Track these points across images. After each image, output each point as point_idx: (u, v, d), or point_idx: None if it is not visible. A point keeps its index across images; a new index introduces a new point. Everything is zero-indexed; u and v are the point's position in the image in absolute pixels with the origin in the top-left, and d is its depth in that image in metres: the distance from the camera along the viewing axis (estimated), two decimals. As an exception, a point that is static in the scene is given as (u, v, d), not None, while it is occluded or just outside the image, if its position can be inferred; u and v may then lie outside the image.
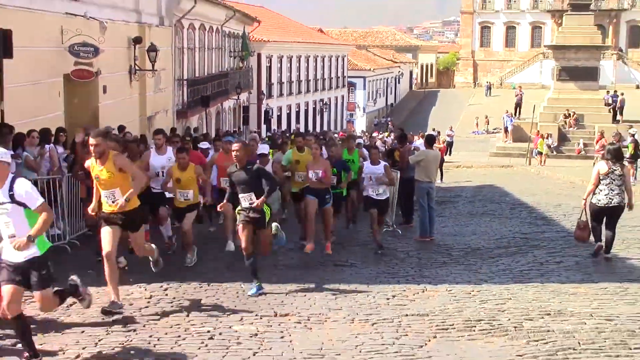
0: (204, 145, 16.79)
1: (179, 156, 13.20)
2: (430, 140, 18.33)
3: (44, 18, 18.34)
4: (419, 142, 25.28)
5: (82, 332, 8.98)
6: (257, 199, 10.99)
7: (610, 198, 13.81)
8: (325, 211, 14.44)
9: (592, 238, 14.47)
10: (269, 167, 14.38)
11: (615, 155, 14.16)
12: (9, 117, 14.70)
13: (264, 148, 16.69)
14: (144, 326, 9.31)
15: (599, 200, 13.88)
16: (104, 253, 9.61)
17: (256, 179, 11.15)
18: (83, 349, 8.33)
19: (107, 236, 9.73)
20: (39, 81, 17.93)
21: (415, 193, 17.39)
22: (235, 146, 11.42)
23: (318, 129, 58.60)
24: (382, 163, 15.48)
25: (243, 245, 11.20)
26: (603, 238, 14.23)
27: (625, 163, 26.58)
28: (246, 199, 11.12)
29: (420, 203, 16.86)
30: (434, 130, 44.16)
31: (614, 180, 13.78)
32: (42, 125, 15.65)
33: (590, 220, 14.19)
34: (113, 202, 9.55)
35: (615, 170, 13.81)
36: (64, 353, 8.18)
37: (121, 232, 9.95)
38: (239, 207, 11.66)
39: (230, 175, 11.40)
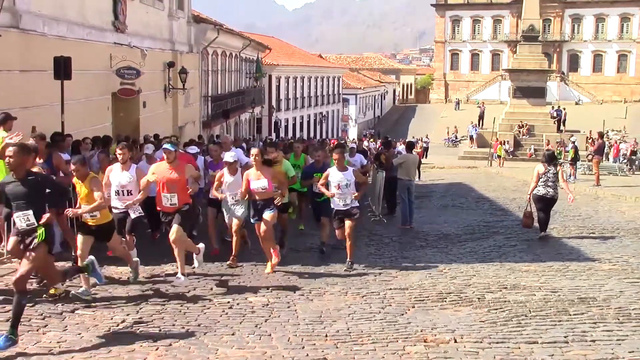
0: (192, 149, 14.56)
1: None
2: (410, 146, 18.51)
3: (97, 47, 18.35)
4: (401, 147, 25.29)
5: (126, 302, 9.00)
6: (38, 218, 7.35)
7: (546, 191, 14.65)
8: (264, 221, 10.85)
9: (536, 225, 15.10)
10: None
11: (549, 159, 15.09)
12: (67, 127, 14.71)
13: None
14: (176, 298, 9.33)
15: (539, 191, 14.72)
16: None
17: (36, 193, 7.40)
18: (127, 315, 8.35)
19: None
20: (91, 98, 17.95)
21: (398, 189, 17.40)
22: (9, 151, 7.47)
23: (318, 137, 58.68)
24: (350, 168, 11.87)
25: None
26: (541, 226, 14.94)
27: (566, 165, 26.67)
28: (22, 219, 7.37)
29: (402, 197, 16.95)
30: (413, 137, 44.35)
31: (549, 178, 14.65)
32: (94, 134, 15.68)
33: (536, 209, 14.95)
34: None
35: (550, 170, 14.69)
36: (112, 319, 8.21)
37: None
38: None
39: (4, 188, 7.56)
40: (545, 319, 8.45)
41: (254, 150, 11.26)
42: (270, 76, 52.22)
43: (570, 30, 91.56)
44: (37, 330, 7.67)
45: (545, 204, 14.83)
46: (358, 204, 11.90)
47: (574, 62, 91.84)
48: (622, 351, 7.08)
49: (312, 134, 60.76)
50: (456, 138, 64.15)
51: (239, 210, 11.29)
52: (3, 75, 12.37)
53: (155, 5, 24.28)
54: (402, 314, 8.66)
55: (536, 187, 14.77)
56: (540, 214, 14.95)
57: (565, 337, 7.64)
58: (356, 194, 11.52)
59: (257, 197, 10.90)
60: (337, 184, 11.38)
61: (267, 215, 10.86)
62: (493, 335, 7.70)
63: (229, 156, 11.53)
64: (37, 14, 14.92)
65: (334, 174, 11.52)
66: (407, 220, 16.70)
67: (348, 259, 11.47)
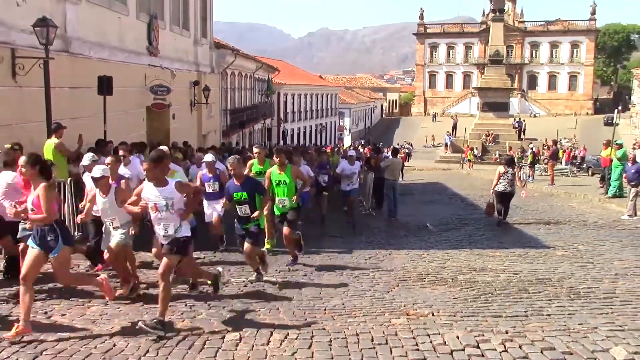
0: (207, 158, 11.47)
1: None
2: (395, 152, 18.71)
3: (134, 68, 18.33)
4: (388, 153, 25.36)
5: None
6: None
7: (505, 187, 15.43)
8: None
9: (495, 214, 15.80)
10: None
11: (508, 162, 16.09)
12: (109, 135, 14.69)
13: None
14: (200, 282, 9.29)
15: (499, 188, 15.47)
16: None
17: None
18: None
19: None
20: (129, 111, 17.92)
21: (385, 187, 17.41)
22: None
23: (318, 143, 58.66)
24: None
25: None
26: (502, 214, 15.64)
27: (526, 167, 26.72)
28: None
29: (388, 195, 16.92)
30: (398, 144, 44.23)
31: (507, 177, 15.44)
32: (131, 141, 15.63)
33: (495, 202, 15.69)
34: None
35: (508, 171, 15.52)
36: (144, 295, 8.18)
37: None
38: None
39: None
40: (508, 296, 8.43)
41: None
42: (278, 93, 52.18)
43: (529, 54, 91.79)
44: (83, 305, 7.65)
45: (505, 197, 15.53)
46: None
47: (532, 82, 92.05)
48: (572, 323, 7.06)
49: (313, 142, 60.69)
50: (433, 145, 64.11)
51: (117, 236, 7.91)
52: (56, 92, 12.34)
53: (182, 34, 24.26)
54: (388, 292, 8.63)
55: (497, 184, 15.46)
56: (499, 205, 15.64)
57: (525, 311, 7.62)
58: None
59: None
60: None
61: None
62: (464, 310, 7.68)
63: (97, 170, 7.78)
64: (84, 40, 14.89)
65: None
66: (393, 214, 16.69)
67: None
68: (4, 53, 11.48)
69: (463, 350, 6.14)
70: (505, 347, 6.21)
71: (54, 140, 11.32)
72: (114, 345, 6.23)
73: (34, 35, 11.66)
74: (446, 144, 52.72)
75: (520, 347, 6.22)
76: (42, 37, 11.55)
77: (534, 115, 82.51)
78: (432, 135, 67.32)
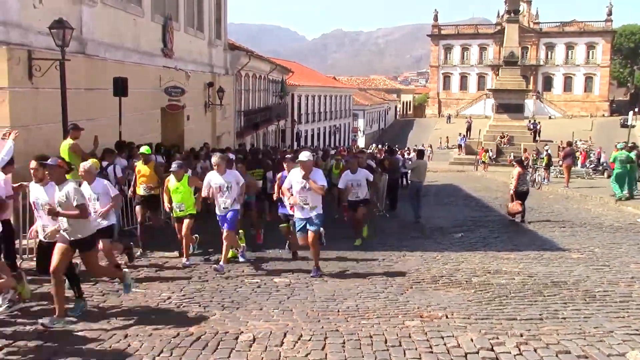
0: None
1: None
2: (420, 154, 18.63)
3: (148, 69, 18.43)
4: (412, 154, 25.48)
5: (171, 281, 9.03)
6: None
7: (522, 187, 16.47)
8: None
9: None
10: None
11: (518, 163, 17.18)
12: (124, 136, 14.80)
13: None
14: (213, 278, 9.34)
15: (523, 189, 16.49)
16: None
17: None
18: (172, 293, 8.37)
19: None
20: (144, 112, 18.02)
21: (410, 189, 17.43)
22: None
23: (332, 145, 58.64)
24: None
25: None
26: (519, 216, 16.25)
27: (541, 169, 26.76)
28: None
29: (412, 197, 16.85)
30: (422, 146, 43.95)
31: (523, 177, 16.62)
32: (146, 142, 15.72)
33: (516, 199, 16.33)
34: None
35: (525, 172, 16.79)
36: (159, 295, 8.23)
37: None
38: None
39: None
40: (523, 299, 8.37)
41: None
42: (292, 95, 52.28)
43: (544, 56, 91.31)
44: (98, 305, 7.70)
45: (523, 197, 16.44)
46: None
47: (547, 83, 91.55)
48: (588, 327, 7.00)
49: (327, 143, 60.73)
50: (447, 146, 63.86)
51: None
52: (72, 93, 12.43)
53: (197, 35, 24.37)
54: (402, 294, 8.61)
55: (518, 184, 16.42)
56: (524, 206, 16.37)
57: (540, 314, 7.57)
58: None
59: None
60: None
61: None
62: (479, 313, 7.64)
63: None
64: (100, 42, 15.00)
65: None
66: (418, 215, 16.60)
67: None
68: (21, 55, 11.59)
69: (477, 353, 6.11)
70: (520, 350, 6.17)
71: (69, 141, 11.41)
72: (129, 345, 6.27)
73: (50, 37, 11.76)
74: (460, 146, 52.50)
75: (535, 350, 6.18)
76: (58, 39, 11.65)
77: (550, 117, 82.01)
78: (447, 137, 67.07)
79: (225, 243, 9.97)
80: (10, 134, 9.26)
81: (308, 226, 9.52)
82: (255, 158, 15.74)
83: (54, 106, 12.01)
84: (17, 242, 9.94)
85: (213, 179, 9.91)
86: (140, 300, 8.00)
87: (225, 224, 9.93)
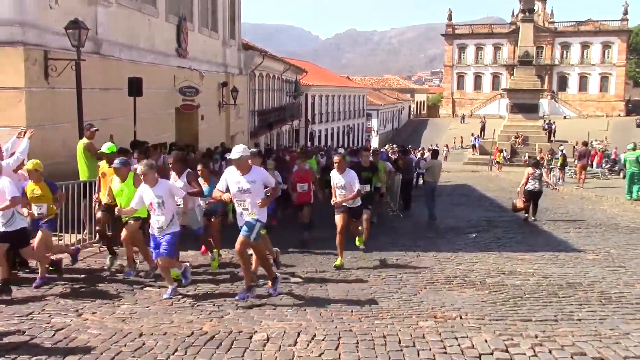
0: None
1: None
2: (435, 154, 18.63)
3: (163, 69, 18.52)
4: (427, 154, 25.47)
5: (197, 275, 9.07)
6: None
7: (534, 187, 16.53)
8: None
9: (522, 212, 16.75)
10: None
11: (535, 164, 17.30)
12: (138, 136, 14.87)
13: None
14: (230, 277, 9.35)
15: (529, 187, 16.52)
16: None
17: None
18: (187, 292, 8.38)
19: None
20: (158, 112, 18.12)
21: (424, 189, 17.43)
22: None
23: (346, 144, 58.60)
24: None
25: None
26: (530, 212, 16.60)
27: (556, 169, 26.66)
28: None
29: (427, 197, 16.85)
30: (436, 146, 43.81)
31: (536, 177, 16.58)
32: (160, 142, 15.80)
33: (524, 199, 16.59)
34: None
35: (536, 171, 16.75)
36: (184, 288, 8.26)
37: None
38: None
39: None
40: (537, 300, 8.32)
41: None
42: (306, 94, 52.31)
43: (559, 55, 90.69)
44: (113, 303, 7.75)
45: (534, 196, 16.64)
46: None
47: (562, 83, 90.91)
48: (604, 329, 6.94)
49: (341, 143, 60.72)
50: (461, 146, 63.60)
51: None
52: (87, 93, 12.53)
53: (211, 35, 24.44)
54: (416, 294, 8.59)
55: (526, 183, 16.57)
56: (528, 204, 16.60)
57: (555, 316, 7.52)
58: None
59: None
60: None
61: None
62: (493, 314, 7.60)
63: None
64: (115, 42, 15.09)
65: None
66: (434, 216, 16.54)
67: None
68: (37, 55, 11.69)
69: (492, 354, 6.07)
70: (534, 351, 6.13)
71: (84, 140, 11.50)
72: (144, 343, 6.30)
73: (66, 38, 11.86)
74: (474, 146, 52.30)
75: (550, 351, 6.13)
76: (74, 39, 11.75)
77: (565, 117, 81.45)
78: (461, 137, 66.80)
79: (161, 271, 8.33)
80: (25, 132, 9.36)
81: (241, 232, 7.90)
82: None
83: (69, 106, 12.11)
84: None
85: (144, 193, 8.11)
86: (155, 299, 8.03)
87: (158, 251, 8.04)
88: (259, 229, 7.84)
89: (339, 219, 10.27)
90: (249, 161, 7.89)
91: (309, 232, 12.75)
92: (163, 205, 7.94)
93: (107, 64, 14.58)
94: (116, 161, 8.94)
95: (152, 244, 8.17)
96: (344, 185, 10.16)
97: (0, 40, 11.26)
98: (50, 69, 11.93)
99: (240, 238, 7.80)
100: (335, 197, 10.29)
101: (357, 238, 11.15)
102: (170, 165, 9.17)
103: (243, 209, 7.82)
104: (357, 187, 10.10)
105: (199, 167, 10.18)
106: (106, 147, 10.16)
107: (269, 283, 8.30)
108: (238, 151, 7.73)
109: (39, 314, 7.23)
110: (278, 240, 10.72)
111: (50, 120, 12.05)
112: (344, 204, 10.25)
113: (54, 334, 6.49)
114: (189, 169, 9.38)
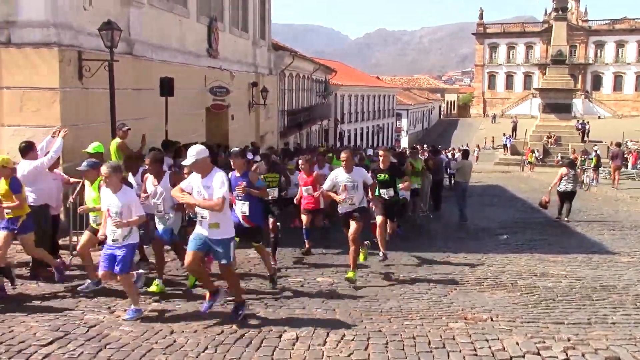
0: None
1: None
2: (465, 154, 18.46)
3: (194, 70, 18.68)
4: (457, 154, 25.31)
5: (216, 280, 9.12)
6: None
7: (566, 187, 16.55)
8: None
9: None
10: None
11: (570, 164, 17.40)
12: (170, 136, 15.02)
13: None
14: (260, 275, 9.40)
15: (561, 188, 16.61)
16: None
17: None
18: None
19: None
20: (189, 112, 18.27)
21: (455, 190, 17.31)
22: None
23: (375, 144, 58.46)
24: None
25: None
26: (564, 213, 16.67)
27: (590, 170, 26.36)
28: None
29: (459, 197, 16.75)
30: (467, 146, 43.49)
31: (569, 178, 16.58)
32: (190, 141, 15.93)
33: (558, 199, 16.80)
34: None
35: (570, 172, 16.75)
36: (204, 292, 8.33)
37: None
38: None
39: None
40: (570, 303, 8.21)
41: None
42: (335, 94, 52.30)
43: (594, 54, 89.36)
44: (145, 301, 7.84)
45: (568, 196, 16.68)
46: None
47: (596, 82, 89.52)
48: (638, 333, 6.81)
49: (370, 143, 60.60)
50: (492, 147, 62.90)
51: None
52: (120, 93, 12.69)
53: (242, 36, 24.58)
54: (446, 295, 8.54)
55: (558, 184, 16.65)
56: (561, 204, 16.76)
57: (588, 319, 7.40)
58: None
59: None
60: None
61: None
62: (524, 316, 7.52)
63: None
64: (147, 42, 15.27)
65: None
66: (465, 217, 16.42)
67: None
68: (72, 56, 11.88)
69: (523, 357, 6.01)
70: (567, 354, 6.04)
71: (117, 140, 11.66)
72: (174, 341, 6.36)
73: (99, 38, 12.04)
74: (505, 146, 51.72)
75: (583, 355, 6.04)
76: (107, 40, 11.91)
77: (599, 117, 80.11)
78: (492, 137, 66.11)
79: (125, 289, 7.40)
80: (59, 132, 9.52)
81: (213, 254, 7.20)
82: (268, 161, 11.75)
83: (102, 106, 12.29)
84: (67, 238, 10.24)
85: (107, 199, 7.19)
86: (186, 297, 8.11)
87: (115, 267, 7.05)
88: (233, 247, 7.14)
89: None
90: (207, 162, 6.94)
91: (325, 238, 12.18)
92: (120, 216, 6.99)
93: (139, 64, 14.76)
94: (84, 164, 8.27)
95: (104, 255, 7.16)
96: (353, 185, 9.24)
97: (35, 42, 11.47)
98: (84, 70, 12.11)
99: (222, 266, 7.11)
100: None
101: (361, 251, 9.72)
102: (148, 167, 8.39)
103: (202, 217, 6.94)
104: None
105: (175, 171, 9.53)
106: (91, 147, 9.55)
107: (208, 296, 7.27)
108: (191, 155, 6.86)
109: (72, 310, 7.36)
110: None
111: (83, 120, 12.24)
112: (347, 208, 9.29)
113: (87, 331, 6.60)
114: (169, 171, 8.73)
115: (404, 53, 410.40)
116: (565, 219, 16.36)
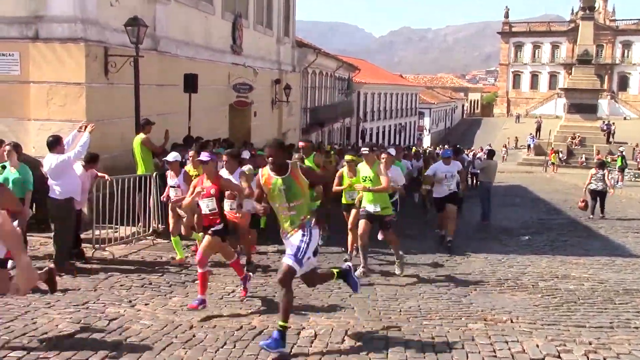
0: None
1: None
2: (490, 154, 18.22)
3: (218, 66, 18.76)
4: (480, 154, 25.19)
5: (235, 275, 9.15)
6: None
7: (596, 186, 17.72)
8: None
9: (588, 211, 17.71)
10: None
11: (599, 165, 18.55)
12: (193, 132, 15.10)
13: None
14: (271, 277, 9.39)
15: (591, 187, 17.83)
16: None
17: None
18: (236, 286, 8.45)
19: None
20: (213, 108, 18.36)
21: (479, 190, 17.17)
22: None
23: (396, 143, 58.22)
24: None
25: None
26: (597, 211, 17.63)
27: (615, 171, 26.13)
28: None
29: (482, 198, 16.60)
30: (490, 146, 43.15)
31: (599, 178, 17.78)
32: (213, 137, 16.02)
33: (589, 198, 17.79)
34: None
35: (599, 172, 17.94)
36: (224, 289, 8.37)
37: None
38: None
39: None
40: (592, 306, 8.09)
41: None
42: (358, 92, 52.19)
43: (620, 54, 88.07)
44: (165, 296, 7.90)
45: (599, 194, 17.73)
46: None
47: (623, 83, 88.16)
48: (662, 338, 6.69)
49: (392, 141, 60.39)
50: (516, 147, 62.30)
51: None
52: (145, 88, 12.80)
53: (265, 33, 24.63)
54: (465, 296, 8.46)
55: (589, 183, 17.82)
56: (592, 202, 17.72)
57: (610, 323, 7.28)
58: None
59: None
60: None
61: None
62: (545, 318, 7.42)
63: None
64: (172, 39, 15.36)
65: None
66: (487, 217, 16.32)
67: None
68: (98, 51, 12.00)
69: (543, 359, 5.93)
70: (588, 358, 5.95)
71: (141, 135, 11.75)
72: (194, 335, 6.39)
73: (125, 34, 12.15)
74: (529, 146, 51.22)
75: (604, 359, 5.95)
76: (133, 36, 12.02)
77: (625, 118, 78.93)
78: (515, 137, 65.44)
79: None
80: (86, 127, 9.59)
81: None
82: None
83: (127, 101, 12.39)
84: (90, 232, 10.34)
85: None
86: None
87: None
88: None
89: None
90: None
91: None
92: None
93: (164, 60, 14.86)
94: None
95: None
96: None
97: (62, 37, 11.61)
98: (109, 65, 12.23)
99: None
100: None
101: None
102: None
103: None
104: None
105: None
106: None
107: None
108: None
109: (94, 303, 7.43)
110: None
111: (109, 115, 12.35)
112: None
113: (108, 324, 6.65)
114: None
115: (427, 51, 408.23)
116: (601, 215, 17.46)
